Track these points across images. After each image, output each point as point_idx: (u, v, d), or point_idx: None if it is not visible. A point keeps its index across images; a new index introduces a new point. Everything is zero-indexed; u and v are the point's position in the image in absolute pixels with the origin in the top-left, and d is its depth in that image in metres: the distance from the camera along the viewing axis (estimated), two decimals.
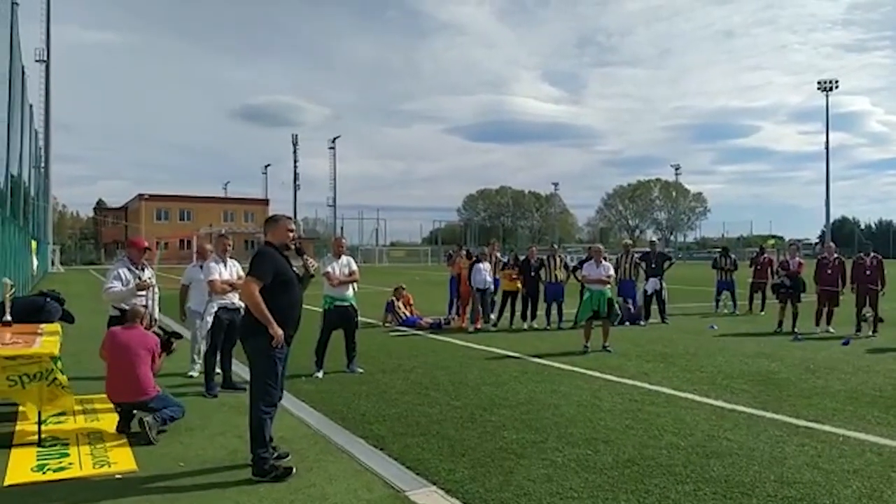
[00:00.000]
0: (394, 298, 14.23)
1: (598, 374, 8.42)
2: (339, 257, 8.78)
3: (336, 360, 8.65)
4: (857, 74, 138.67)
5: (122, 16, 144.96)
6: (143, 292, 6.83)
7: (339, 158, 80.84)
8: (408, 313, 14.04)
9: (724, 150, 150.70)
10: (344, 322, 8.65)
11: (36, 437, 5.49)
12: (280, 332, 4.70)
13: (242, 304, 7.12)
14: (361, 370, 8.59)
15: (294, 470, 4.70)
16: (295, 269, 5.02)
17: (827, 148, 65.91)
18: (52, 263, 44.45)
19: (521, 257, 14.67)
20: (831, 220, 68.40)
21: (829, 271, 12.75)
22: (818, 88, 65.30)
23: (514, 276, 13.79)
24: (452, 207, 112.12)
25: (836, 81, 65.20)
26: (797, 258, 13.42)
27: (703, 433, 5.69)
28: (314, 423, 6.16)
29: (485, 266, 13.16)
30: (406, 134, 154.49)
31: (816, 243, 70.76)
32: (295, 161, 76.24)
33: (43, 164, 39.42)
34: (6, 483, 4.56)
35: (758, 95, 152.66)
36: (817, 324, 12.64)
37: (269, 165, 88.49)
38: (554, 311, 13.68)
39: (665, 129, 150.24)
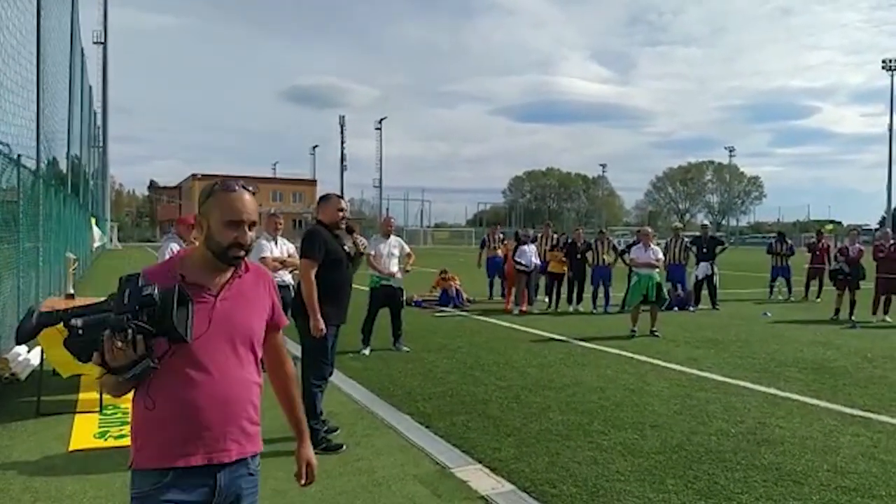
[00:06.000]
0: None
1: (645, 358, 8.33)
2: (388, 237, 8.85)
3: (382, 339, 8.76)
4: None
5: None
6: None
7: (386, 140, 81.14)
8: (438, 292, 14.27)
9: (781, 132, 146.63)
10: (390, 301, 8.74)
11: (97, 405, 5.73)
12: (322, 324, 4.78)
13: (292, 282, 7.27)
14: (407, 349, 8.68)
15: (344, 446, 4.80)
16: (346, 247, 5.09)
17: (891, 130, 63.07)
18: (111, 240, 45.99)
19: (567, 238, 14.58)
20: (893, 206, 65.66)
21: (885, 257, 12.29)
22: (883, 68, 62.43)
23: (563, 259, 13.69)
24: (498, 189, 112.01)
25: None
26: (857, 244, 12.96)
27: (754, 420, 5.59)
28: (361, 398, 6.27)
29: (530, 248, 13.09)
30: (452, 115, 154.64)
31: (876, 229, 68.09)
32: (342, 142, 76.90)
33: (101, 144, 40.67)
34: (71, 448, 4.78)
35: (817, 75, 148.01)
36: (874, 312, 12.21)
37: (316, 146, 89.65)
38: (601, 295, 13.55)
39: (719, 110, 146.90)
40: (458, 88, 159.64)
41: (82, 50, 21.24)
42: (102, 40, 46.80)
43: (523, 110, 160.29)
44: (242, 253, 2.04)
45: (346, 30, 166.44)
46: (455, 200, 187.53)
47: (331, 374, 5.07)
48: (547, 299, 14.14)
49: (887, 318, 12.00)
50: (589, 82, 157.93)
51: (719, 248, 14.72)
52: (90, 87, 29.13)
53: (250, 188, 2.11)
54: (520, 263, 12.86)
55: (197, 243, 2.09)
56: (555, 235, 14.59)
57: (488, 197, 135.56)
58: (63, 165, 15.98)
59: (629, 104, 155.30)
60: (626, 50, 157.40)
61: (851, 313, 12.13)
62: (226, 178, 2.07)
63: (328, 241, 4.92)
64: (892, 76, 62.24)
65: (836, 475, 4.35)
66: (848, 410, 5.95)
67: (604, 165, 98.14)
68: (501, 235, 15.99)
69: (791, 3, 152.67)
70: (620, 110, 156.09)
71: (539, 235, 14.51)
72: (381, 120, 79.16)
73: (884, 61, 62.62)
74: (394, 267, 8.76)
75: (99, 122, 42.41)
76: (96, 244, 27.10)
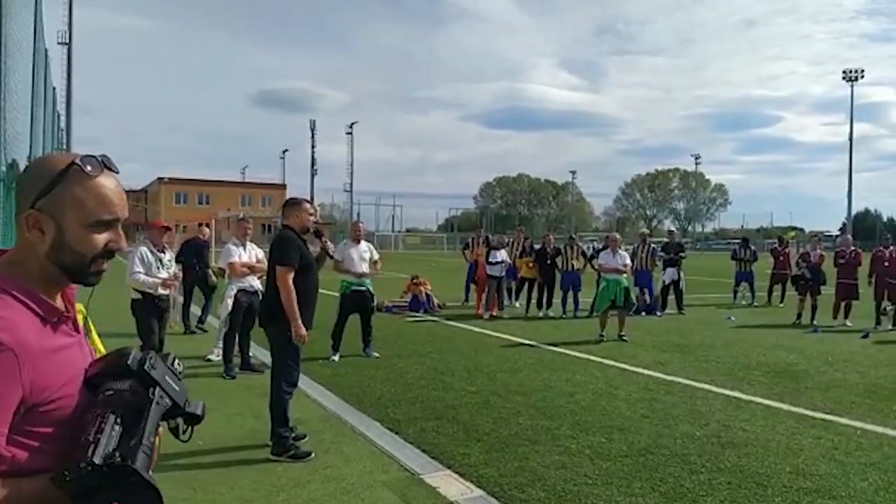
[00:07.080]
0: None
1: (613, 362, 8.41)
2: (359, 242, 8.80)
3: (352, 344, 8.71)
4: (882, 65, 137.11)
5: (149, 1, 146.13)
6: (168, 290, 6.95)
7: (357, 145, 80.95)
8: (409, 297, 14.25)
9: (745, 140, 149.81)
10: (360, 306, 8.69)
11: None
12: (304, 329, 4.77)
13: (261, 287, 7.20)
14: (377, 354, 8.64)
15: (313, 454, 4.76)
16: (313, 251, 5.09)
17: (851, 139, 64.80)
18: None
19: (538, 246, 14.64)
20: (853, 213, 67.40)
21: (846, 264, 12.61)
22: (843, 78, 64.04)
23: (531, 265, 13.80)
24: (468, 195, 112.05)
25: (862, 71, 63.97)
26: (818, 250, 13.28)
27: (718, 423, 5.68)
28: (330, 405, 6.23)
29: (501, 253, 13.16)
30: (423, 121, 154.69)
31: (837, 236, 69.70)
32: (313, 146, 76.41)
33: (65, 147, 39.87)
34: None
35: (780, 85, 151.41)
36: (835, 317, 12.51)
37: (286, 151, 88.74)
38: (570, 300, 13.66)
39: (686, 119, 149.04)
40: (430, 94, 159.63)
41: (46, 50, 20.79)
42: (67, 41, 45.86)
43: (494, 117, 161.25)
44: (107, 266, 1.35)
45: (318, 35, 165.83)
46: (426, 206, 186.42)
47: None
48: (518, 304, 14.22)
49: (847, 323, 12.29)
50: (559, 89, 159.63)
51: (681, 254, 14.89)
52: (54, 88, 28.51)
53: (115, 167, 1.37)
54: (492, 265, 12.91)
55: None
56: (525, 241, 14.66)
57: (459, 202, 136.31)
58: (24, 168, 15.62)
59: (598, 112, 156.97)
60: (595, 58, 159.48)
61: (813, 318, 12.41)
62: (84, 155, 1.33)
63: (300, 246, 4.91)
64: (851, 87, 64.01)
65: (797, 477, 4.44)
66: (810, 413, 6.08)
67: (573, 172, 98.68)
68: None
69: (755, 15, 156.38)
70: (590, 118, 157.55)
71: (511, 241, 14.58)
72: (353, 124, 78.77)
73: (844, 72, 64.32)
74: (364, 268, 8.70)
75: (63, 124, 41.58)
76: None
